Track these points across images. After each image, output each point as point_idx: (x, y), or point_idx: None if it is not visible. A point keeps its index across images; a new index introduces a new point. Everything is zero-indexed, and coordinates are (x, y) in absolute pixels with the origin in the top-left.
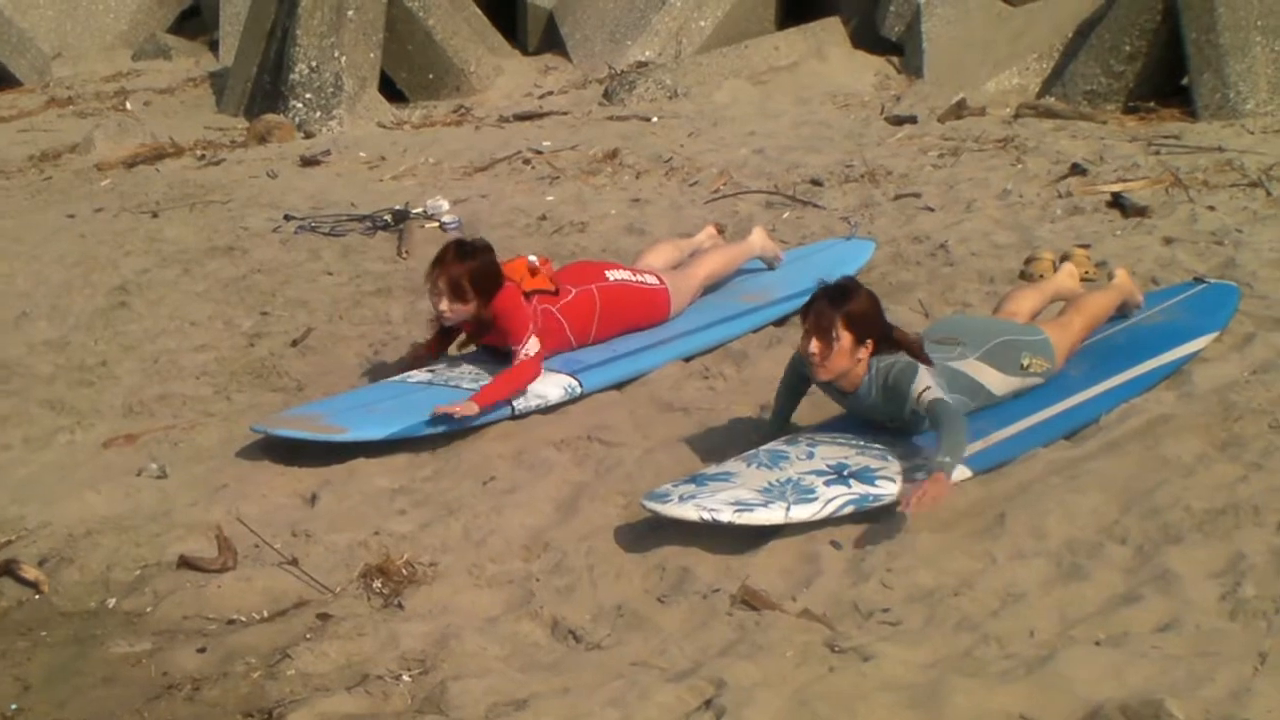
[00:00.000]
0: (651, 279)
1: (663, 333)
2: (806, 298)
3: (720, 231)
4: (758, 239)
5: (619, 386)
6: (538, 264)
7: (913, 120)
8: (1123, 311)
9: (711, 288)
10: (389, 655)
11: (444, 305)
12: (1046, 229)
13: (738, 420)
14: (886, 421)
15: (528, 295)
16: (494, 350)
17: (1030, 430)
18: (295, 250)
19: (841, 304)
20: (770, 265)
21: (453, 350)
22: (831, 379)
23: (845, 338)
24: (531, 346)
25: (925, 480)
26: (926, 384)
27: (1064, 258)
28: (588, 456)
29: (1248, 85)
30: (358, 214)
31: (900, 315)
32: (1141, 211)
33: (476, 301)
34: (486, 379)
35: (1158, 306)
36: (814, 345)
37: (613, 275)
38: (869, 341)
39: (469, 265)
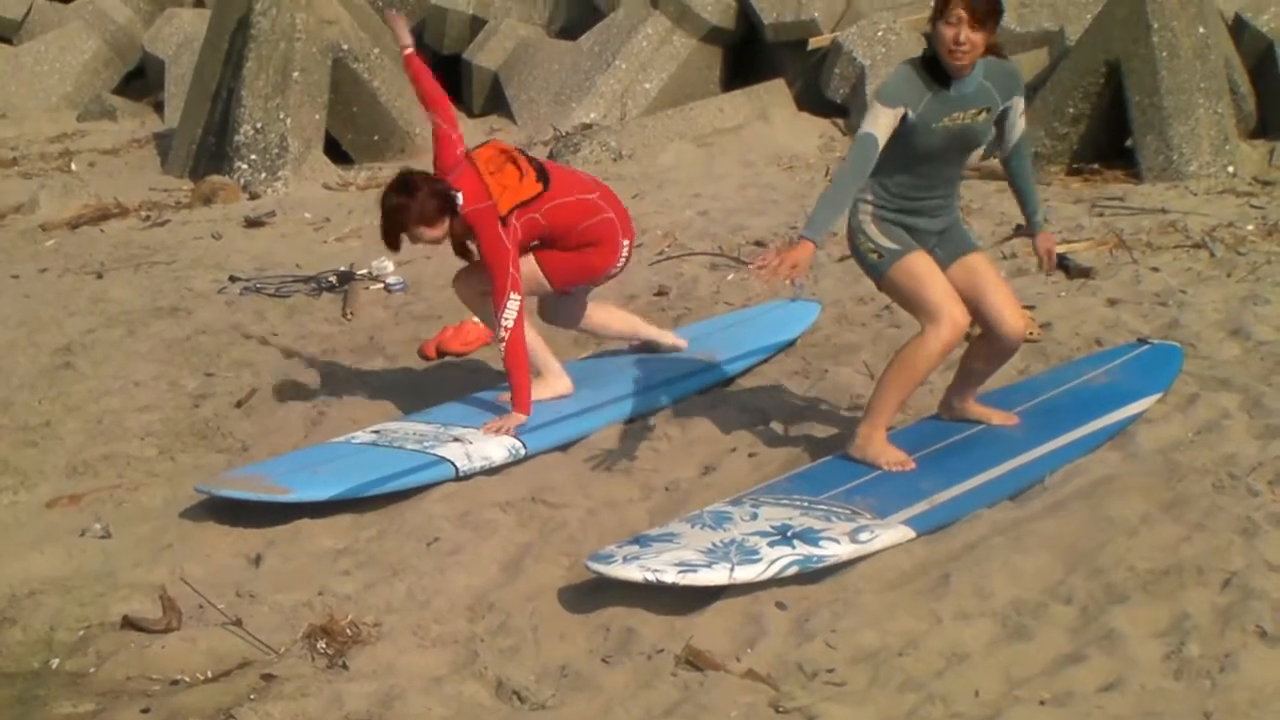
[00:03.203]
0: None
1: (606, 394)
2: (749, 361)
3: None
4: (665, 337)
5: (563, 448)
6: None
7: None
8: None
9: (605, 334)
10: (333, 716)
11: (425, 245)
12: None
13: (681, 481)
14: (970, 122)
15: (504, 218)
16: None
17: (975, 491)
18: (240, 311)
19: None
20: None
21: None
22: (968, 66)
23: (984, 27)
24: (509, 313)
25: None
26: (1023, 106)
27: None
28: (532, 517)
29: (1191, 147)
30: (303, 275)
31: (845, 377)
32: (1086, 273)
33: (432, 228)
34: (431, 441)
35: (1102, 368)
36: (967, 38)
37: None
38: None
39: (404, 208)
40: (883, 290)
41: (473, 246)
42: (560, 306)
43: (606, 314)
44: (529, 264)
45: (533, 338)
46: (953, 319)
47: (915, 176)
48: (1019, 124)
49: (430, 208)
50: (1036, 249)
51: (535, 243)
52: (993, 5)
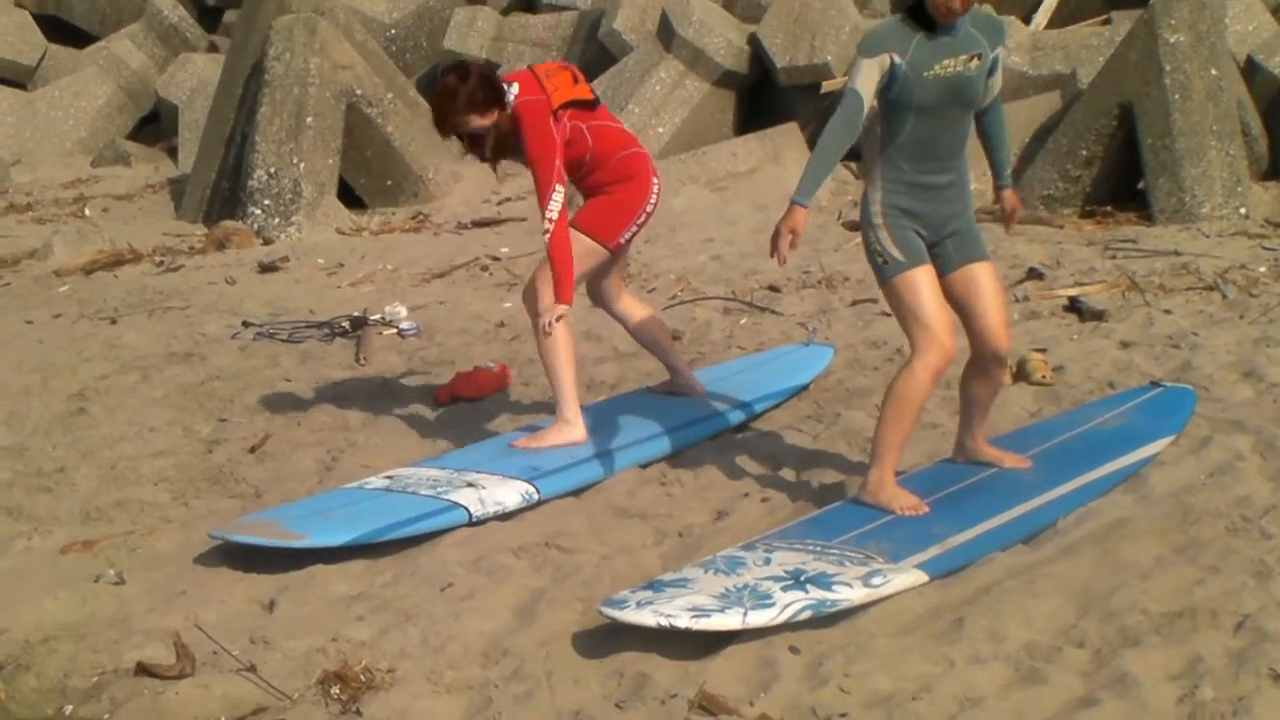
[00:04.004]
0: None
1: (619, 439)
2: (763, 406)
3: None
4: (688, 374)
5: (576, 493)
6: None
7: None
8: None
9: (639, 334)
10: None
11: (468, 145)
12: None
13: (694, 526)
14: (964, 69)
15: (558, 112)
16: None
17: (988, 534)
18: (253, 357)
19: None
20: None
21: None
22: (953, 18)
23: None
24: (554, 206)
25: (1012, 208)
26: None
27: (1021, 362)
28: (546, 563)
29: (1203, 189)
30: (316, 320)
31: (857, 421)
32: (1098, 315)
33: (480, 118)
34: (445, 487)
35: (1115, 410)
36: None
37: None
38: None
39: (453, 94)
40: (882, 292)
41: (514, 149)
42: (609, 279)
43: (642, 308)
44: (579, 242)
45: (569, 370)
46: (940, 345)
47: (920, 147)
48: (998, 76)
49: (480, 95)
50: (1003, 203)
51: (579, 172)
52: None
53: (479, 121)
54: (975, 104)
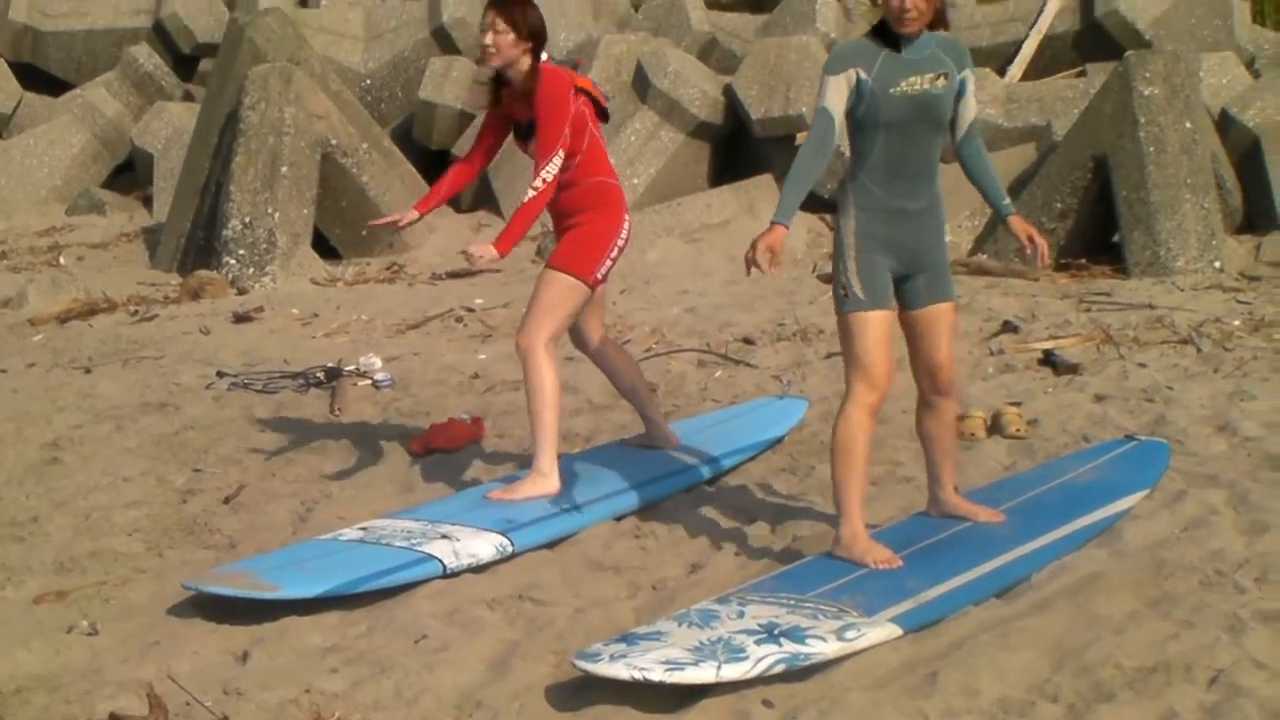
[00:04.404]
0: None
1: (594, 491)
2: (737, 459)
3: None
4: (663, 425)
5: (551, 545)
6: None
7: None
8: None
9: (617, 378)
10: None
11: (490, 39)
12: (978, 386)
13: (668, 579)
14: (930, 88)
15: (575, 92)
16: (525, 135)
17: (961, 588)
18: (228, 407)
19: None
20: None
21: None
22: (917, 30)
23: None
24: (550, 169)
25: (1029, 234)
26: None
27: (995, 416)
28: (519, 615)
29: (1178, 242)
30: (290, 371)
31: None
32: (1073, 369)
33: (516, 40)
34: (419, 539)
35: (1089, 464)
36: (915, 4)
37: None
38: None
39: (524, 4)
40: (836, 320)
41: (521, 105)
42: (588, 320)
43: (622, 354)
44: (559, 281)
45: (554, 420)
46: (873, 383)
47: (890, 168)
48: (971, 104)
49: (533, 19)
50: (1015, 233)
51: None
52: None
53: (509, 39)
54: (943, 124)
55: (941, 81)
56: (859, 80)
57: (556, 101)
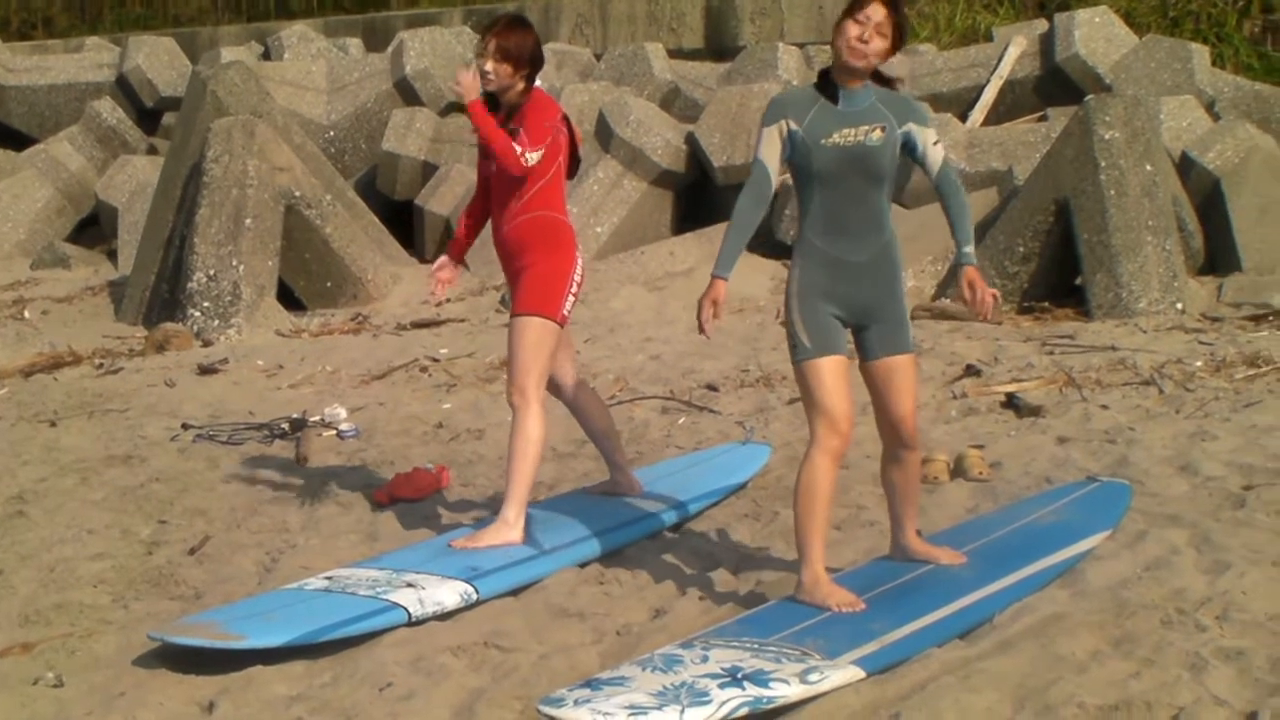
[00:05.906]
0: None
1: (558, 538)
2: (701, 505)
3: None
4: (628, 471)
5: (515, 593)
6: None
7: None
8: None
9: (588, 422)
10: None
11: (489, 65)
12: (941, 430)
13: (633, 625)
14: (864, 140)
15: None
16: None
17: (924, 630)
18: (193, 459)
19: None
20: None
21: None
22: (858, 70)
23: (888, 40)
24: (531, 156)
25: (969, 282)
26: (937, 137)
27: (958, 459)
28: (484, 662)
29: (1140, 285)
30: (255, 423)
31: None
32: (1035, 411)
33: (514, 69)
34: (384, 587)
35: (1051, 505)
36: (872, 38)
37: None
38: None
39: (524, 34)
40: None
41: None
42: (561, 363)
43: (594, 399)
44: (530, 327)
45: (531, 474)
46: (836, 430)
47: (829, 220)
48: (935, 152)
49: (533, 51)
50: (960, 285)
51: (524, 189)
52: (900, 20)
53: (507, 72)
54: (882, 177)
55: (877, 134)
56: (790, 131)
57: (547, 111)
